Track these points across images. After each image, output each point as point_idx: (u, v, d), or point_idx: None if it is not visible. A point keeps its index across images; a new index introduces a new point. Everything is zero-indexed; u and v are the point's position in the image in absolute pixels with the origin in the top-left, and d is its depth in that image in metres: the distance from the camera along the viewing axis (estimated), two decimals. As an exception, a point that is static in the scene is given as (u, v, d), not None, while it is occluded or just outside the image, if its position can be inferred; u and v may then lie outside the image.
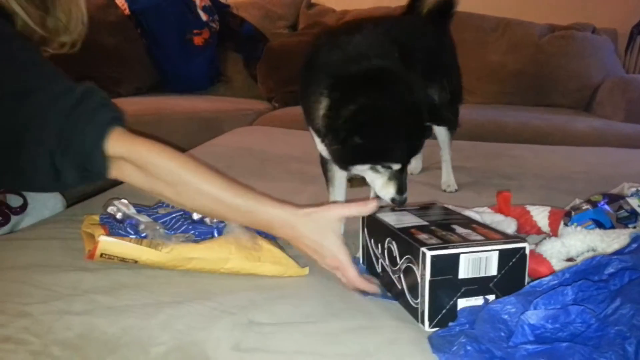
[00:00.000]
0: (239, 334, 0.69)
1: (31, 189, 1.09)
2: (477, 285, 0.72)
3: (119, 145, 0.82)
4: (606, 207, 0.96)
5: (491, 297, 0.73)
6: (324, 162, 1.17)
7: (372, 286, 0.83)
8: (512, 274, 0.73)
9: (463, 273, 0.72)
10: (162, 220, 0.98)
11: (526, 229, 1.05)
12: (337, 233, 0.86)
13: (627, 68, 3.28)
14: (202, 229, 0.95)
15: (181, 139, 2.00)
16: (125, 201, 0.99)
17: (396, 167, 0.99)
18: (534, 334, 0.60)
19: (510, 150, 1.96)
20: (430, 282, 0.71)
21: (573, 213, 0.96)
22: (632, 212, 0.95)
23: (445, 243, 0.73)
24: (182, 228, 0.96)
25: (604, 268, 0.67)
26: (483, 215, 1.00)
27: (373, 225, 0.91)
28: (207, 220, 0.98)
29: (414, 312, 0.75)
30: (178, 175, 0.83)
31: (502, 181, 1.53)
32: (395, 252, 0.80)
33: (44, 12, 0.97)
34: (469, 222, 0.84)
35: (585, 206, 0.96)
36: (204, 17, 3.06)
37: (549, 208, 1.05)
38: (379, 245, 0.87)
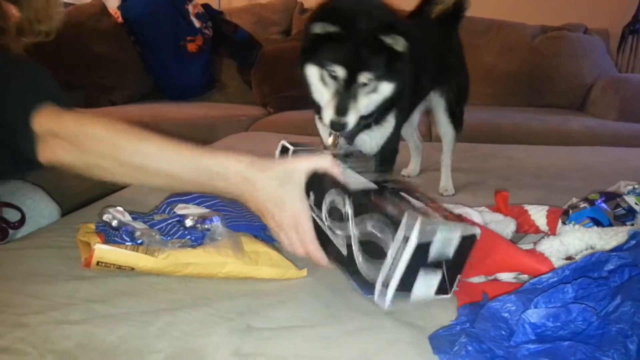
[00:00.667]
0: (238, 339, 0.68)
1: None
2: (435, 266, 0.69)
3: (46, 121, 0.78)
4: (603, 205, 0.96)
5: (438, 277, 0.70)
6: None
7: (324, 258, 0.79)
8: (461, 257, 0.72)
9: (433, 252, 0.68)
10: (157, 227, 0.97)
11: (524, 228, 1.04)
12: (300, 187, 0.80)
13: (620, 67, 3.30)
14: (198, 234, 0.94)
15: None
16: (120, 209, 0.99)
17: (340, 72, 0.97)
18: (535, 332, 0.59)
19: (506, 151, 1.97)
20: (410, 260, 0.66)
21: (571, 212, 0.96)
22: (630, 210, 0.95)
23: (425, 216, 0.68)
24: (178, 234, 0.95)
25: (603, 265, 0.67)
26: (482, 215, 1.00)
27: (317, 179, 0.82)
28: (200, 226, 0.97)
29: (367, 285, 0.71)
30: (112, 141, 0.78)
31: (498, 182, 1.53)
32: (348, 216, 0.74)
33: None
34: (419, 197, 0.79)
35: (582, 204, 0.96)
36: (197, 24, 3.07)
37: (546, 207, 1.05)
38: (319, 202, 0.80)
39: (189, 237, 0.94)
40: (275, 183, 0.78)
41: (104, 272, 0.84)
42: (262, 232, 0.98)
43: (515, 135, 2.41)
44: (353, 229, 0.73)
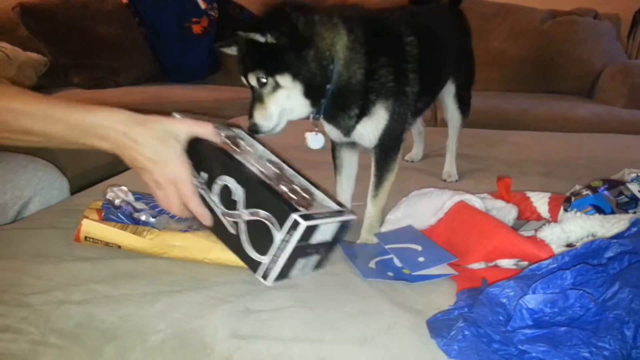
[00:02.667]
0: (236, 321, 0.69)
1: None
2: (315, 249, 0.81)
3: None
4: (606, 192, 0.96)
5: (317, 259, 0.83)
6: (333, 147, 1.17)
7: (205, 214, 0.81)
8: (337, 239, 0.85)
9: (315, 239, 0.79)
10: (158, 209, 0.98)
11: (526, 215, 1.04)
12: (181, 146, 0.80)
13: (630, 54, 3.26)
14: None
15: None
16: (124, 188, 1.00)
17: (245, 82, 0.98)
18: (532, 318, 0.60)
19: (511, 137, 1.96)
20: (295, 248, 0.75)
21: (573, 199, 0.96)
22: (632, 198, 0.95)
23: (307, 208, 0.78)
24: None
25: (603, 252, 0.67)
26: (484, 201, 1.00)
27: (207, 153, 0.84)
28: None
29: (253, 264, 0.78)
30: None
31: (502, 168, 1.52)
32: (239, 198, 0.79)
33: None
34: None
35: (585, 192, 0.96)
36: (202, 5, 3.05)
37: (548, 194, 1.04)
38: (210, 178, 0.82)
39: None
40: (156, 139, 0.78)
41: (107, 254, 0.85)
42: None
43: (521, 121, 2.40)
44: (243, 216, 0.79)
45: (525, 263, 0.80)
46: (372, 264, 0.89)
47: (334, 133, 1.10)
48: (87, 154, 2.10)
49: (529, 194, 1.05)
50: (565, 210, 0.94)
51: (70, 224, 0.97)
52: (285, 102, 0.97)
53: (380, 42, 1.02)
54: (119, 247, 0.85)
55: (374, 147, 1.08)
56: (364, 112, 1.04)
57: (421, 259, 0.84)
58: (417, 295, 0.78)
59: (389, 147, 1.08)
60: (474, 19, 3.13)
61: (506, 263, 0.83)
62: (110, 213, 0.93)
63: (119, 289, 0.76)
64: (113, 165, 2.28)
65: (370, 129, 1.05)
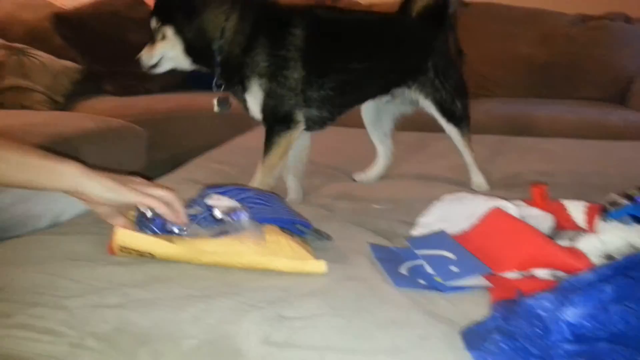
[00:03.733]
0: (269, 327, 0.69)
1: None
2: None
3: None
4: (645, 201, 0.93)
5: None
6: None
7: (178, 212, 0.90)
8: None
9: None
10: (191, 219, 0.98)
11: (562, 224, 1.02)
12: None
13: (664, 59, 3.18)
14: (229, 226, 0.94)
15: (211, 136, 2.02)
16: None
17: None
18: (572, 332, 0.58)
19: (542, 144, 1.93)
20: None
21: (611, 208, 0.94)
22: (673, 208, 0.92)
23: None
24: (210, 226, 0.95)
25: (645, 265, 0.65)
26: (520, 209, 0.98)
27: None
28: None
29: None
30: None
31: (534, 176, 1.49)
32: None
33: None
34: None
35: (623, 201, 0.93)
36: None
37: (585, 203, 1.02)
38: None
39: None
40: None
41: (140, 259, 0.86)
42: (291, 225, 0.97)
43: (551, 128, 2.36)
44: None
45: (563, 274, 0.78)
46: (403, 270, 0.88)
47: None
48: (116, 164, 2.14)
49: (565, 202, 1.03)
50: (603, 220, 0.92)
51: (103, 231, 0.98)
52: (167, 51, 1.22)
53: (264, 28, 1.22)
54: (152, 255, 0.86)
55: (263, 121, 1.26)
56: (243, 86, 1.23)
57: (455, 269, 0.83)
58: (450, 305, 0.77)
59: (272, 122, 1.25)
60: (501, 24, 3.14)
61: (542, 273, 0.81)
62: (143, 225, 0.94)
63: (152, 292, 0.76)
64: (144, 171, 2.32)
65: (251, 102, 1.24)
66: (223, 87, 1.25)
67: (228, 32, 1.21)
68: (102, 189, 0.86)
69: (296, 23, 1.23)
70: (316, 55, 1.24)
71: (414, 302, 0.77)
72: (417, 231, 1.03)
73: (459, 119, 1.44)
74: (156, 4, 1.24)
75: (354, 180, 1.51)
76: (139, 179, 0.95)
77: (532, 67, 3.03)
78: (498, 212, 0.95)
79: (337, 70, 1.29)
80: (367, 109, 1.51)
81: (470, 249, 0.89)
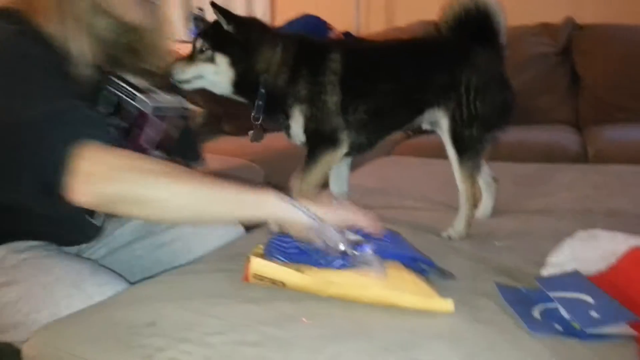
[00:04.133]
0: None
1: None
2: None
3: (84, 159, 0.85)
4: None
5: None
6: None
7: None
8: None
9: None
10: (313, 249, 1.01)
11: None
12: None
13: None
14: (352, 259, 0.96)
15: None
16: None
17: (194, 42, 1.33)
18: None
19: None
20: None
21: None
22: None
23: None
24: (336, 260, 0.98)
25: None
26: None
27: None
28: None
29: None
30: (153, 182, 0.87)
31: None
32: None
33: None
34: None
35: None
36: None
37: None
38: None
39: (342, 260, 0.96)
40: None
41: (271, 296, 0.90)
42: (412, 262, 0.97)
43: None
44: None
45: None
46: (536, 314, 0.85)
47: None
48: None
49: None
50: None
51: (235, 267, 1.04)
52: (208, 74, 1.28)
53: (304, 58, 1.30)
54: (284, 284, 0.90)
55: (305, 145, 1.33)
56: (284, 115, 1.30)
57: (595, 315, 0.79)
58: (592, 354, 0.73)
59: (316, 143, 1.31)
60: (620, 45, 2.95)
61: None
62: (271, 255, 0.98)
63: (287, 331, 0.79)
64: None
65: (295, 128, 1.30)
66: (261, 119, 1.32)
67: (274, 66, 1.28)
68: (305, 215, 0.91)
69: (333, 49, 1.30)
70: (352, 79, 1.29)
71: (552, 350, 0.74)
72: (547, 271, 0.99)
73: (466, 147, 1.28)
74: (210, 30, 1.30)
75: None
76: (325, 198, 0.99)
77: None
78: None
79: (372, 93, 1.33)
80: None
81: (609, 292, 0.84)
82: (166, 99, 1.23)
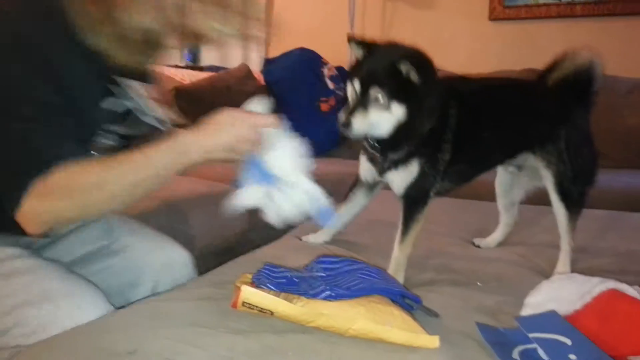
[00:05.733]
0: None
1: None
2: None
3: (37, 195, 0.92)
4: None
5: None
6: (353, 183, 1.40)
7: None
8: None
9: None
10: (302, 280, 1.03)
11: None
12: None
13: None
14: (341, 292, 0.97)
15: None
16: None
17: (356, 85, 1.16)
18: None
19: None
20: None
21: None
22: None
23: None
24: (320, 288, 0.99)
25: None
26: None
27: None
28: (345, 285, 1.01)
29: None
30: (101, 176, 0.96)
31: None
32: None
33: None
34: None
35: None
36: (330, 85, 3.25)
37: None
38: None
39: (329, 292, 0.97)
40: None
41: (257, 328, 0.90)
42: (400, 298, 0.99)
43: (665, 204, 2.21)
44: None
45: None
46: (515, 355, 0.86)
47: (368, 171, 1.31)
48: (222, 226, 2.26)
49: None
50: None
51: (220, 295, 1.05)
52: (381, 123, 1.14)
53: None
54: (272, 313, 0.91)
55: (402, 197, 1.24)
56: (401, 160, 1.21)
57: (573, 357, 0.80)
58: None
59: (414, 200, 1.24)
60: (605, 95, 3.01)
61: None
62: (261, 283, 0.99)
63: (272, 364, 0.79)
64: (245, 232, 2.44)
65: (402, 176, 1.22)
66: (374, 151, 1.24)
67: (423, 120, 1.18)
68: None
69: (452, 104, 1.23)
70: (462, 135, 1.23)
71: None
72: (525, 311, 1.01)
73: (573, 202, 1.35)
74: (384, 74, 1.14)
75: (474, 244, 1.55)
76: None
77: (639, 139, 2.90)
78: (617, 294, 0.92)
79: (475, 145, 1.30)
80: (502, 177, 1.53)
81: (583, 331, 0.86)
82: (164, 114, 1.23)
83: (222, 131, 1.02)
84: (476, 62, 3.41)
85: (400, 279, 1.20)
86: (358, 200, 1.42)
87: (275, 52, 3.95)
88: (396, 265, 1.22)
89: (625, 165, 2.86)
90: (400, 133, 1.17)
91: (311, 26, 3.87)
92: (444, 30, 3.66)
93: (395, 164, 1.22)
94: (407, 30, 3.69)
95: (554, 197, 1.36)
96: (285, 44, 3.83)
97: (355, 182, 1.40)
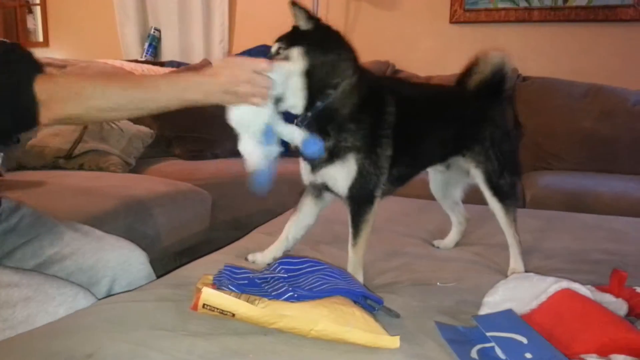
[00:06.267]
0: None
1: None
2: None
3: (45, 84, 0.99)
4: None
5: None
6: (303, 192, 1.35)
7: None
8: None
9: None
10: (264, 281, 1.03)
11: (636, 311, 1.00)
12: None
13: None
14: (303, 293, 0.97)
15: (279, 200, 2.07)
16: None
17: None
18: None
19: (609, 223, 1.87)
20: None
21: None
22: None
23: None
24: (283, 289, 0.99)
25: None
26: (593, 294, 0.97)
27: None
28: (307, 286, 1.01)
29: None
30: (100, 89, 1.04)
31: (602, 256, 1.46)
32: None
33: None
34: None
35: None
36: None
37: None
38: None
39: (292, 293, 0.97)
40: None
41: (216, 330, 0.89)
42: (362, 299, 1.00)
43: (616, 205, 2.30)
44: None
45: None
46: (473, 353, 0.88)
47: (305, 170, 1.26)
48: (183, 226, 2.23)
49: (639, 289, 1.01)
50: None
51: (181, 297, 1.03)
52: (288, 75, 1.12)
53: (369, 103, 1.19)
54: (233, 315, 0.90)
55: (347, 199, 1.21)
56: (336, 153, 1.17)
57: (529, 355, 0.82)
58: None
59: (361, 200, 1.21)
60: (562, 99, 3.13)
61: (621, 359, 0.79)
62: (222, 285, 0.98)
63: (232, 367, 0.79)
64: (206, 232, 2.41)
65: (341, 174, 1.18)
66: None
67: (341, 88, 1.16)
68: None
69: (390, 101, 1.22)
70: (401, 132, 1.23)
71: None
72: (483, 311, 1.03)
73: (505, 195, 1.39)
74: (289, 34, 1.19)
75: (434, 245, 1.58)
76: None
77: (594, 141, 2.99)
78: (571, 293, 0.95)
79: (415, 145, 1.32)
80: (434, 181, 1.56)
81: (538, 329, 0.89)
82: None
83: (220, 74, 1.07)
84: (437, 64, 3.46)
85: (360, 279, 1.20)
86: (307, 211, 1.35)
87: (237, 48, 3.92)
88: (353, 267, 1.22)
89: (580, 167, 2.95)
90: (315, 89, 1.15)
91: (274, 23, 3.83)
92: (406, 31, 3.70)
93: (330, 156, 1.18)
94: (370, 30, 3.71)
95: (488, 194, 1.40)
96: (247, 41, 3.80)
97: (304, 190, 1.35)
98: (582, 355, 0.82)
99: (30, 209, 1.34)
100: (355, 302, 0.98)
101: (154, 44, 4.09)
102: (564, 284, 0.97)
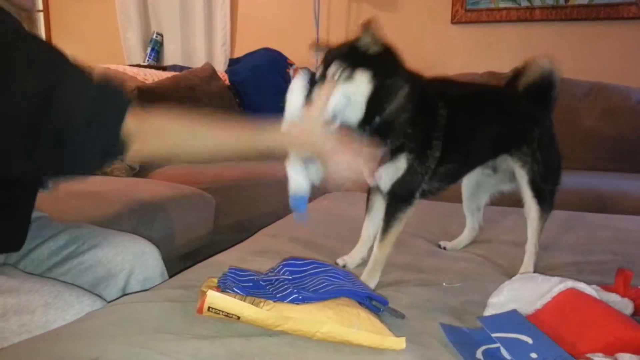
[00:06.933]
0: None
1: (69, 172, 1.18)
2: None
3: (134, 122, 0.96)
4: None
5: None
6: (368, 191, 1.36)
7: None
8: None
9: None
10: (268, 283, 1.03)
11: (641, 311, 0.99)
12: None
13: None
14: (308, 295, 0.97)
15: (275, 204, 2.08)
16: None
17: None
18: None
19: (614, 222, 1.86)
20: None
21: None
22: None
23: None
24: (287, 291, 0.99)
25: None
26: (599, 294, 0.96)
27: None
28: (312, 287, 1.01)
29: None
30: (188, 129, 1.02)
31: (607, 256, 1.46)
32: None
33: None
34: None
35: None
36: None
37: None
38: None
39: (296, 295, 0.97)
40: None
41: (222, 332, 0.89)
42: (367, 300, 1.00)
43: (621, 204, 2.29)
44: None
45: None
46: (479, 354, 0.88)
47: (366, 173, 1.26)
48: (187, 229, 2.24)
49: (646, 289, 1.01)
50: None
51: (187, 299, 1.03)
52: (351, 97, 1.13)
53: (422, 106, 1.20)
54: (238, 318, 0.90)
55: (387, 194, 1.24)
56: (389, 154, 1.19)
57: (534, 356, 0.82)
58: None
59: (399, 198, 1.23)
60: (564, 98, 3.09)
61: (629, 359, 0.79)
62: (227, 287, 0.98)
63: (237, 369, 0.79)
64: (210, 235, 2.41)
65: (389, 170, 1.20)
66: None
67: (397, 102, 1.17)
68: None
69: (441, 103, 1.24)
70: (452, 134, 1.24)
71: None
72: (488, 312, 1.03)
73: (544, 200, 1.40)
74: (349, 54, 1.16)
75: (440, 247, 1.57)
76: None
77: (597, 140, 2.99)
78: (576, 292, 0.95)
79: (466, 144, 1.32)
80: (469, 181, 1.56)
81: (544, 330, 0.88)
82: None
83: (302, 144, 1.09)
84: (439, 65, 3.47)
85: (376, 279, 1.20)
86: (377, 207, 1.36)
87: (240, 51, 3.93)
88: (374, 264, 1.22)
89: (584, 166, 2.95)
90: (375, 108, 1.16)
91: (276, 26, 3.86)
92: (408, 32, 3.70)
93: (384, 159, 1.20)
94: (371, 32, 3.72)
95: (528, 195, 1.39)
96: (250, 44, 3.82)
97: (369, 189, 1.37)
98: (588, 355, 0.81)
99: (40, 212, 1.38)
100: (360, 303, 0.98)
101: (156, 48, 4.10)
102: (569, 283, 0.97)
